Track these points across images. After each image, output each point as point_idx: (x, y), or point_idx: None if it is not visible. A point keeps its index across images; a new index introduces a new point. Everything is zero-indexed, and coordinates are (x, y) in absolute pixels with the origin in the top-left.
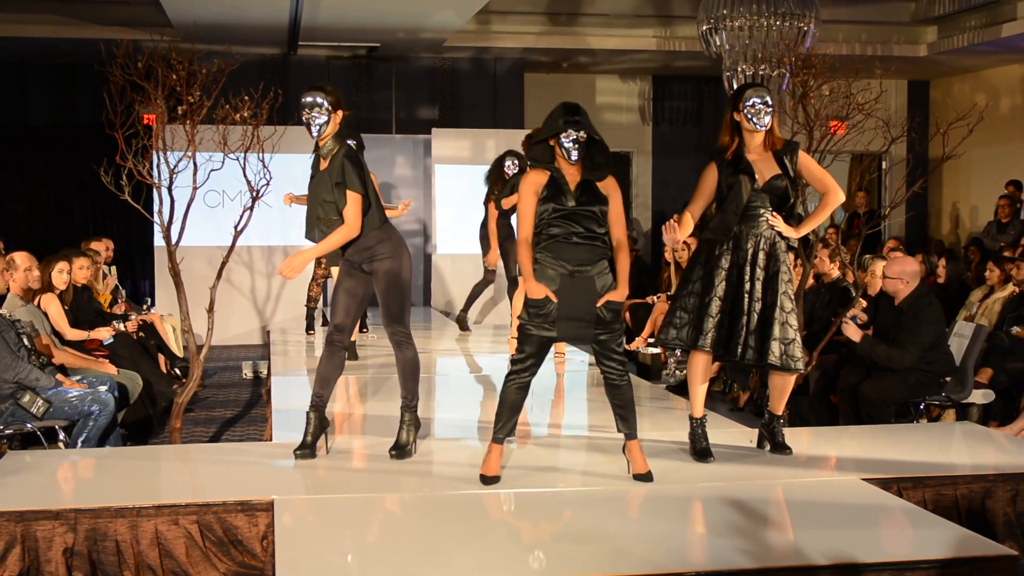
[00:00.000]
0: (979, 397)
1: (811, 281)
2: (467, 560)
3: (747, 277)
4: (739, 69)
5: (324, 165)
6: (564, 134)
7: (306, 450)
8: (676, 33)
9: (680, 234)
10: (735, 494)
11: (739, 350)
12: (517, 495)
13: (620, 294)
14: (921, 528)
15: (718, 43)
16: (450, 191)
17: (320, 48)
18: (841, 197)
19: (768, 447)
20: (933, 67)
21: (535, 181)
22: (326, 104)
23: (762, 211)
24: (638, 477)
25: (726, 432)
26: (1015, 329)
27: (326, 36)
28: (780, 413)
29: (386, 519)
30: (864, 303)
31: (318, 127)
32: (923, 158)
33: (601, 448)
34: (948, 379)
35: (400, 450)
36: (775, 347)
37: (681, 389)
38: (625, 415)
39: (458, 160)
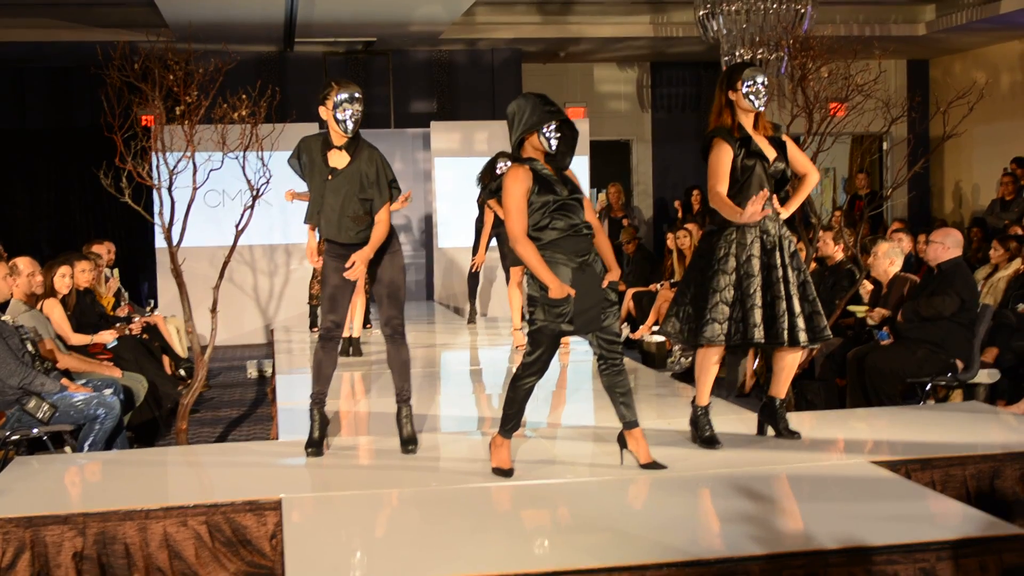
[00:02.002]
0: (985, 377)
1: (813, 264)
2: (476, 553)
3: (779, 262)
4: (737, 53)
5: (344, 162)
6: (547, 125)
7: (316, 447)
8: (672, 19)
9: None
10: (743, 480)
11: (786, 334)
12: (525, 487)
13: (616, 274)
14: (931, 509)
15: (715, 28)
16: (450, 184)
17: (316, 44)
18: (817, 177)
19: (771, 433)
20: (932, 46)
21: (525, 179)
22: (362, 98)
23: (769, 193)
24: (648, 466)
25: (732, 418)
26: (1020, 306)
27: (322, 32)
28: (784, 396)
29: (394, 514)
30: (870, 285)
31: (355, 122)
32: (924, 138)
33: (607, 438)
34: (959, 363)
35: (414, 444)
36: (823, 322)
37: (687, 377)
38: (628, 402)
39: (457, 153)
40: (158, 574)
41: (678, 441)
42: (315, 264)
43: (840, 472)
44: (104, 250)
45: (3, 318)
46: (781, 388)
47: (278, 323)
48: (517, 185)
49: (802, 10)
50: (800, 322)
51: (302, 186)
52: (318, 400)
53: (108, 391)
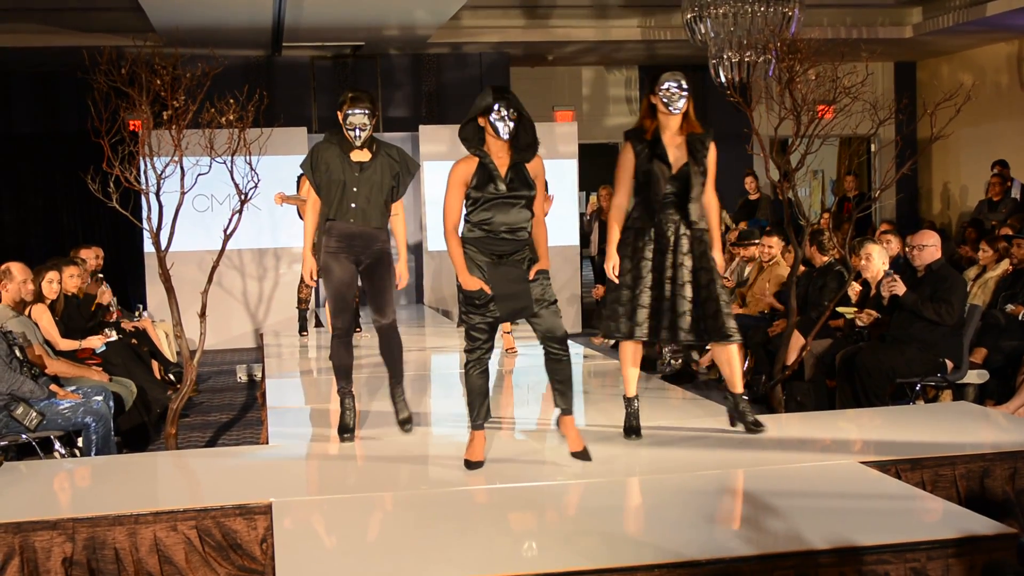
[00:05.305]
0: (974, 377)
1: (802, 268)
2: (467, 556)
3: (669, 264)
4: (725, 56)
5: (367, 157)
6: (495, 111)
7: (349, 433)
8: (660, 22)
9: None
10: (733, 481)
11: (681, 334)
12: (515, 489)
13: (544, 264)
14: (921, 509)
15: (703, 31)
16: (438, 188)
17: (304, 49)
18: (716, 204)
19: (741, 427)
20: (919, 48)
21: (464, 171)
22: (368, 112)
23: (675, 198)
24: (576, 455)
25: (722, 420)
26: (1009, 307)
27: (310, 36)
28: (740, 391)
29: (384, 518)
30: (858, 287)
31: (364, 135)
32: (911, 140)
33: (599, 439)
34: (948, 363)
35: (410, 423)
36: (711, 324)
37: (676, 378)
38: (564, 390)
39: (446, 156)
40: None
41: (666, 442)
42: (313, 283)
43: (830, 473)
44: (92, 255)
45: None
46: (734, 382)
47: (267, 327)
48: (454, 177)
49: (789, 13)
50: (684, 323)
51: (291, 189)
52: (347, 393)
53: (98, 398)
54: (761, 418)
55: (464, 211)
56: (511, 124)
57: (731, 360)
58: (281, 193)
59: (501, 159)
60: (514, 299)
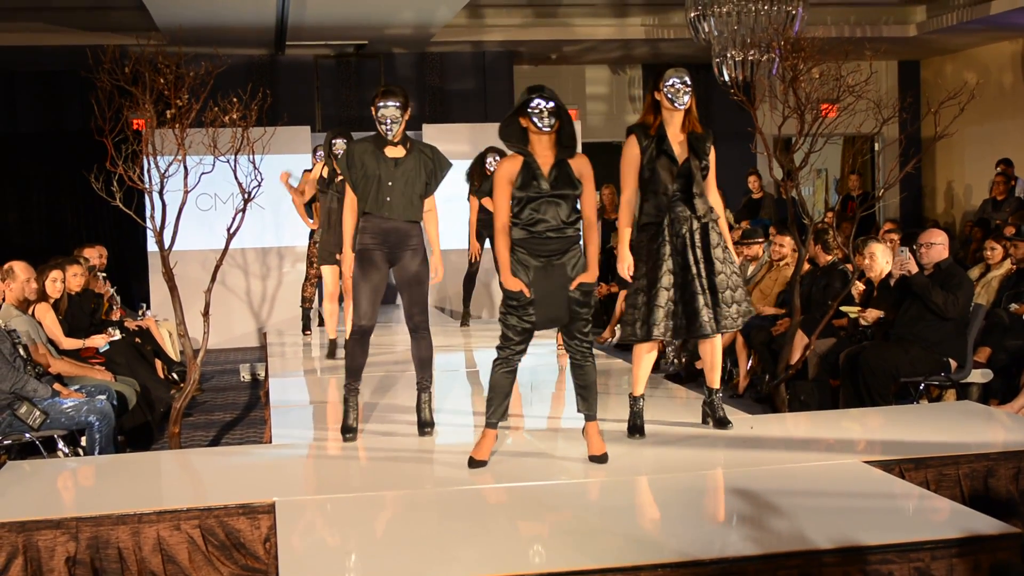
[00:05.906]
0: (978, 376)
1: (807, 266)
2: (471, 556)
3: (691, 260)
4: (728, 55)
5: (402, 153)
6: (532, 104)
7: (352, 432)
8: (664, 21)
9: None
10: (737, 480)
11: (703, 328)
12: (520, 488)
13: (591, 276)
14: (924, 509)
15: (707, 30)
16: (443, 186)
17: (308, 47)
18: (720, 203)
19: (711, 424)
20: (923, 47)
21: (509, 170)
22: (401, 106)
23: (682, 194)
24: (594, 459)
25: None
26: (1013, 306)
27: (313, 35)
28: (717, 387)
29: (388, 517)
30: (862, 285)
31: (397, 128)
32: (915, 138)
33: (604, 439)
34: (952, 362)
35: (430, 427)
36: (733, 311)
37: (680, 378)
38: (586, 396)
39: (449, 155)
40: None
41: (671, 441)
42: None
43: (834, 472)
44: (95, 254)
45: None
46: (712, 378)
47: (271, 326)
48: (500, 177)
49: (793, 11)
50: (708, 314)
51: (295, 181)
52: (352, 392)
53: (101, 396)
54: (764, 417)
55: (513, 213)
56: (551, 118)
57: (713, 353)
58: (287, 172)
59: (545, 157)
60: (552, 307)
